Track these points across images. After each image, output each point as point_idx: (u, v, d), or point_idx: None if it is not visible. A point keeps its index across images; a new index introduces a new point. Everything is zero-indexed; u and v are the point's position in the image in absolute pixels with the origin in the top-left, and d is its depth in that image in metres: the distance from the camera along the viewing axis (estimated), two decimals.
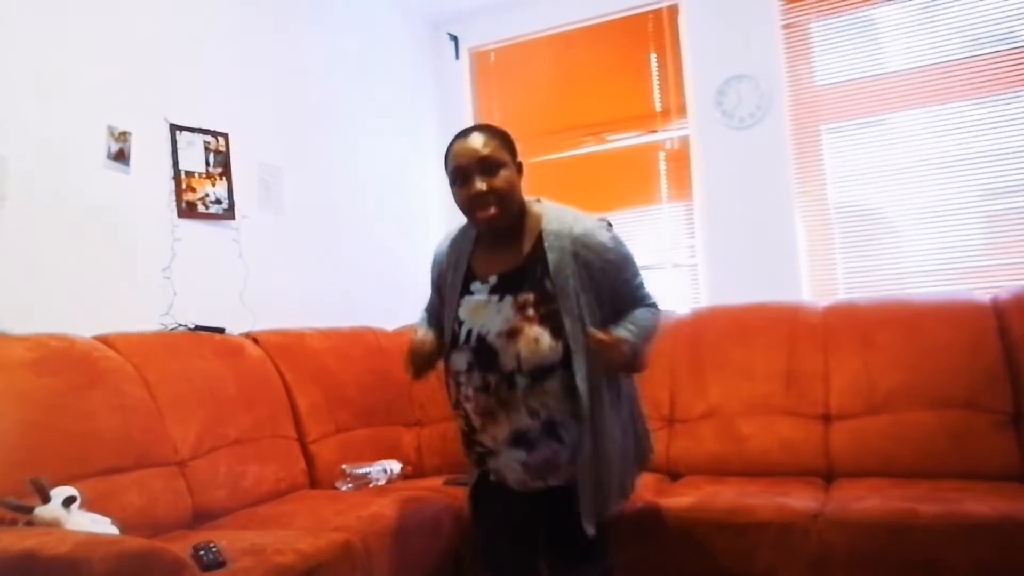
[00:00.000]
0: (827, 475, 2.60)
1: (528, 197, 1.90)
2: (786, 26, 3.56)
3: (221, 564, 1.71)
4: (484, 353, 1.76)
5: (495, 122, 4.11)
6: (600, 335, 1.70)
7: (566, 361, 1.73)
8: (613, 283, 1.82)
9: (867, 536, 2.08)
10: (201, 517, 2.26)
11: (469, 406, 1.81)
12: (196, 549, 1.72)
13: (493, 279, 1.83)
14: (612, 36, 3.95)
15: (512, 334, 1.74)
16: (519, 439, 1.76)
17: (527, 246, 1.83)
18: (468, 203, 1.80)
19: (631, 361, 1.77)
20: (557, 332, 1.72)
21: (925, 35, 3.31)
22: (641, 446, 1.98)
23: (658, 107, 3.87)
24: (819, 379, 2.75)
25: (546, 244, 1.80)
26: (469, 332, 1.80)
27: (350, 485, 2.67)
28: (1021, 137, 3.12)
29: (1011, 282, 3.03)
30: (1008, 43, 3.15)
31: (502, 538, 1.98)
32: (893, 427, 2.57)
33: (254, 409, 2.59)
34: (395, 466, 2.85)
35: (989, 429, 2.46)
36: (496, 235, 1.86)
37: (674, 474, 2.81)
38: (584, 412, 1.74)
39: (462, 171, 1.79)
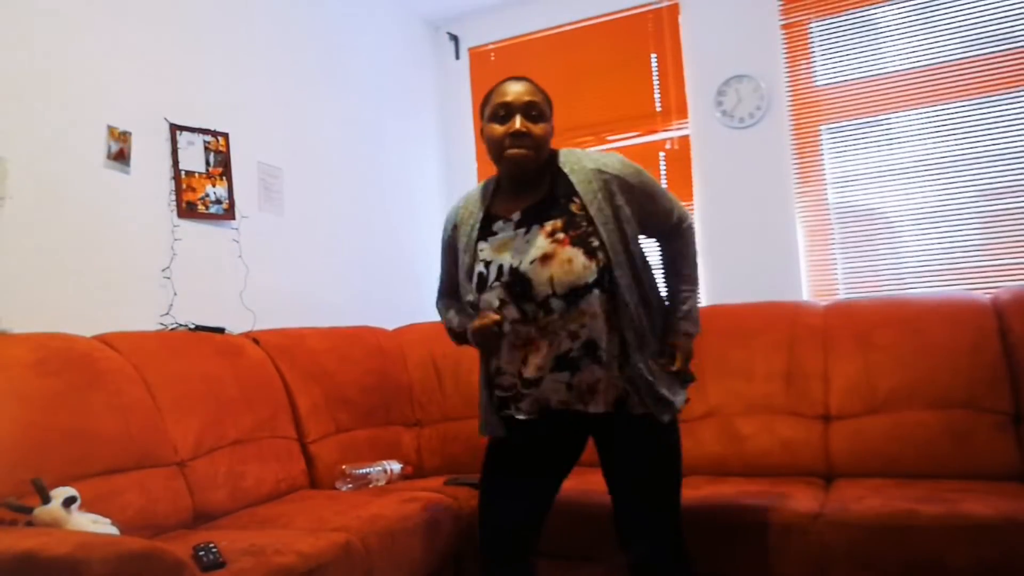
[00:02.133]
0: (827, 475, 2.60)
1: None
2: (786, 26, 3.56)
3: (221, 565, 1.71)
4: (517, 284, 1.74)
5: None
6: (669, 366, 1.82)
7: (601, 281, 1.71)
8: (640, 205, 1.81)
9: (867, 536, 2.08)
10: (201, 517, 2.26)
11: (504, 344, 1.78)
12: (196, 550, 1.72)
13: (517, 215, 1.81)
14: (612, 36, 3.95)
15: (545, 259, 1.72)
16: (561, 363, 1.74)
17: (547, 183, 1.84)
18: (505, 138, 1.78)
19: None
20: (590, 253, 1.71)
21: (925, 35, 3.31)
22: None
23: (658, 107, 3.87)
24: (819, 379, 2.75)
25: (566, 170, 1.81)
26: (500, 268, 1.77)
27: (350, 485, 2.68)
28: (1021, 137, 3.12)
29: (1011, 282, 3.04)
30: (1008, 43, 3.15)
31: (519, 474, 1.91)
32: (893, 427, 2.57)
33: (254, 409, 2.59)
34: (395, 466, 2.85)
35: (989, 429, 2.46)
36: (520, 179, 1.85)
37: None
38: (633, 322, 1.74)
39: (507, 107, 1.80)
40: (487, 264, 1.80)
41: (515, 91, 1.82)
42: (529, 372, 1.76)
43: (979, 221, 3.20)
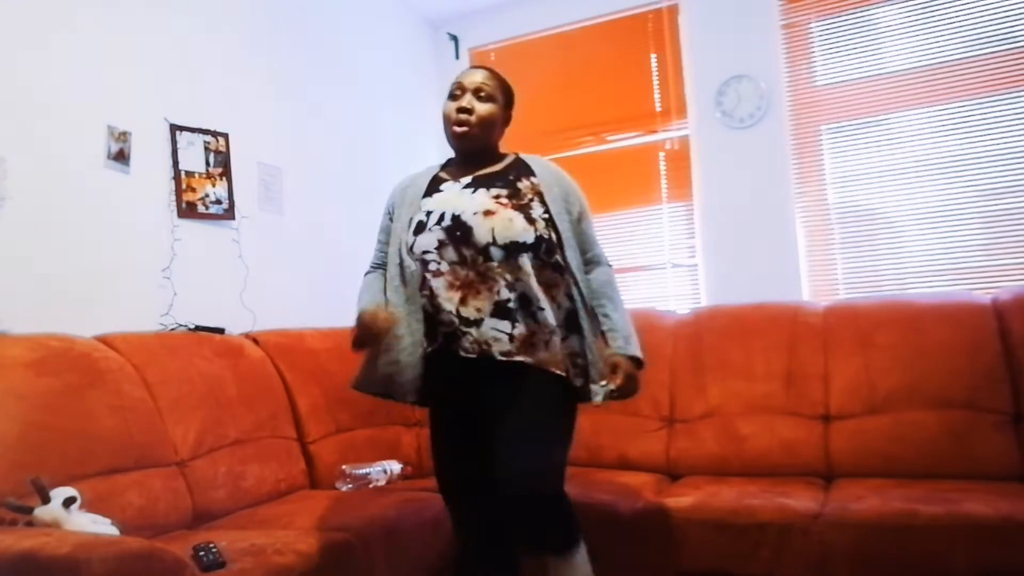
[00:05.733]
0: (827, 475, 2.61)
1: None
2: (786, 26, 3.56)
3: (221, 565, 1.71)
4: (458, 229, 1.85)
5: None
6: (612, 380, 1.85)
7: (536, 247, 1.85)
8: (579, 220, 2.00)
9: (867, 536, 2.08)
10: (201, 517, 2.26)
11: (440, 282, 1.86)
12: (196, 550, 1.72)
13: (467, 179, 1.96)
14: (612, 36, 3.94)
15: (488, 213, 1.85)
16: (502, 310, 1.83)
17: (502, 163, 2.02)
18: (453, 113, 1.98)
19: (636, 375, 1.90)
20: (530, 220, 1.86)
21: (925, 35, 3.31)
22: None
23: (658, 107, 3.87)
24: (819, 379, 2.76)
25: (526, 159, 2.03)
26: (441, 215, 1.88)
27: (350, 485, 2.68)
28: (1021, 137, 3.12)
29: (1011, 282, 3.04)
30: (1008, 43, 3.15)
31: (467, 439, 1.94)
32: (893, 427, 2.57)
33: (254, 409, 2.59)
34: (395, 466, 2.85)
35: (989, 429, 2.47)
36: (467, 154, 2.02)
37: (674, 474, 2.81)
38: (573, 300, 1.91)
39: (460, 87, 1.99)
40: (428, 213, 1.91)
41: (471, 76, 2.00)
42: (469, 312, 1.83)
43: (979, 221, 3.20)
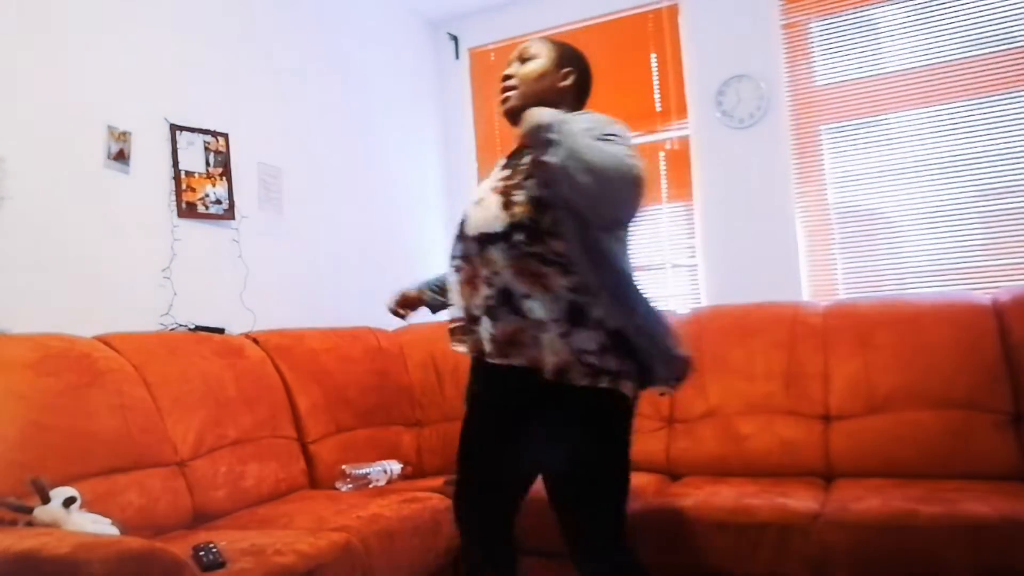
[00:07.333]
0: (827, 475, 2.61)
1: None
2: (786, 26, 3.56)
3: (221, 565, 1.71)
4: (463, 221, 1.76)
5: (493, 122, 4.19)
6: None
7: (507, 235, 1.63)
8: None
9: (867, 536, 2.08)
10: (201, 517, 2.26)
11: (455, 277, 1.77)
12: (196, 550, 1.72)
13: (503, 160, 1.82)
14: (612, 36, 3.94)
15: (480, 202, 1.74)
16: (488, 308, 1.68)
17: None
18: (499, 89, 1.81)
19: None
20: (507, 204, 1.65)
21: (925, 35, 3.31)
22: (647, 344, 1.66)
23: (658, 107, 3.87)
24: (819, 379, 2.75)
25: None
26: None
27: (350, 485, 2.68)
28: (1021, 137, 3.12)
29: (1011, 282, 3.04)
30: (1008, 43, 3.15)
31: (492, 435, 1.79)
32: (893, 427, 2.57)
33: (254, 409, 2.59)
34: (395, 466, 2.85)
35: (989, 429, 2.47)
36: (516, 124, 1.77)
37: (674, 474, 2.81)
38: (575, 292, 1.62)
39: (508, 64, 1.81)
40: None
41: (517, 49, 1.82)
42: (475, 310, 1.71)
43: (979, 221, 3.19)
